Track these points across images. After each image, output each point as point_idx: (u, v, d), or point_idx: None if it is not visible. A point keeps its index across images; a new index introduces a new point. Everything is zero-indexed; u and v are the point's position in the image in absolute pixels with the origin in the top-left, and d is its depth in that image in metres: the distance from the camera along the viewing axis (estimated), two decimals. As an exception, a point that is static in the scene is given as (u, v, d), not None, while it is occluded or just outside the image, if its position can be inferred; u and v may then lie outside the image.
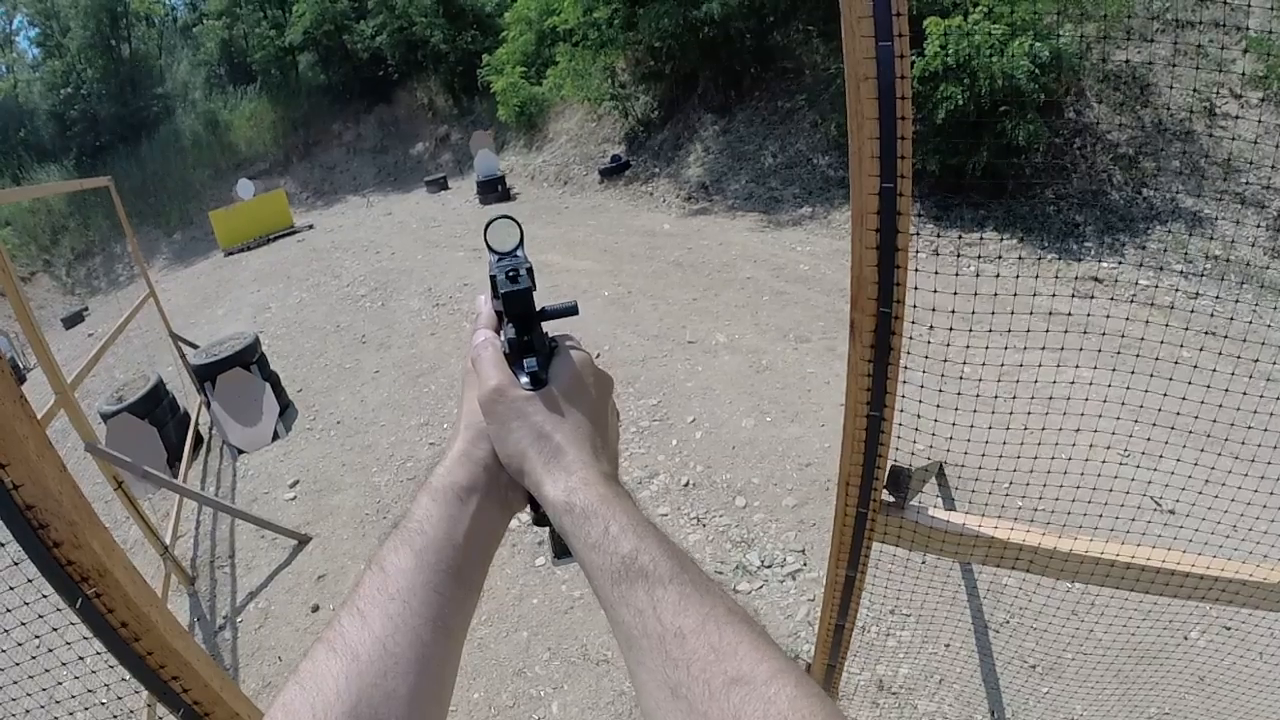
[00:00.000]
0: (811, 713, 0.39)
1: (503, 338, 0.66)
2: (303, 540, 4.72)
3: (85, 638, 1.22)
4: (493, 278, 0.66)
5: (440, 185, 18.48)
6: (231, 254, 16.76)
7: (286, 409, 6.68)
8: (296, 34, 23.76)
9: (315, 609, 4.08)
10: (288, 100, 25.50)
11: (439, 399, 6.39)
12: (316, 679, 0.48)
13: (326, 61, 25.18)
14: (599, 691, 3.24)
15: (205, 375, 6.08)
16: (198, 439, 6.30)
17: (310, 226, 17.69)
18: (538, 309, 0.65)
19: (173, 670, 1.13)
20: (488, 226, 0.67)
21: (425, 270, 10.71)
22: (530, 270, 0.64)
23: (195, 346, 7.04)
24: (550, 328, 0.67)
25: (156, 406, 6.00)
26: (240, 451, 6.03)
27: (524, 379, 0.62)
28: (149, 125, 25.48)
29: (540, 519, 0.62)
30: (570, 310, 0.67)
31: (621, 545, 0.51)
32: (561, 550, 0.62)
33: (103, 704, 2.41)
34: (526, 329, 0.64)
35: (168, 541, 4.45)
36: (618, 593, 0.50)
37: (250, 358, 6.31)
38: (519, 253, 0.67)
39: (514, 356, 0.64)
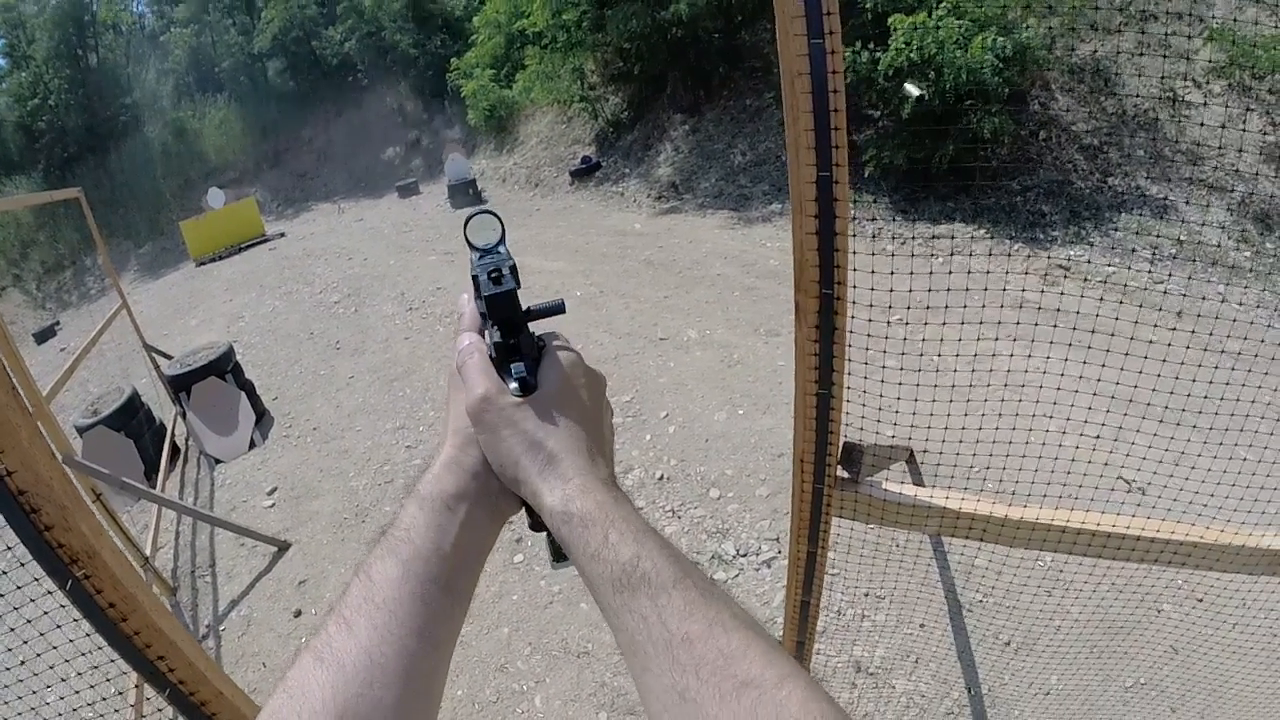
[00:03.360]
0: (821, 715, 0.40)
1: (488, 340, 0.64)
2: (283, 546, 4.72)
3: (75, 619, 1.26)
4: (475, 278, 0.63)
5: (411, 190, 18.45)
6: (203, 264, 16.61)
7: (262, 417, 6.66)
8: (265, 40, 23.64)
9: (297, 614, 4.09)
10: (257, 108, 25.34)
11: (414, 402, 6.41)
12: (303, 688, 0.49)
13: (295, 68, 25.05)
14: (581, 684, 3.28)
15: (180, 386, 6.05)
16: (174, 450, 6.26)
17: (282, 234, 17.57)
18: (523, 309, 0.62)
19: (159, 650, 1.17)
20: (467, 222, 0.65)
21: (398, 275, 10.70)
22: (514, 268, 0.62)
23: (169, 357, 6.99)
24: (537, 327, 0.65)
25: (132, 419, 5.96)
26: (217, 461, 6.00)
27: (512, 384, 0.60)
28: (117, 135, 25.20)
29: (537, 524, 0.61)
30: (557, 309, 0.64)
31: (622, 552, 0.51)
32: (560, 554, 0.61)
33: (92, 687, 2.42)
34: (512, 332, 0.62)
35: (148, 552, 4.43)
36: (620, 600, 0.49)
37: (225, 367, 6.28)
38: (500, 249, 0.65)
39: (500, 360, 0.62)
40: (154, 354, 7.13)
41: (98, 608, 1.12)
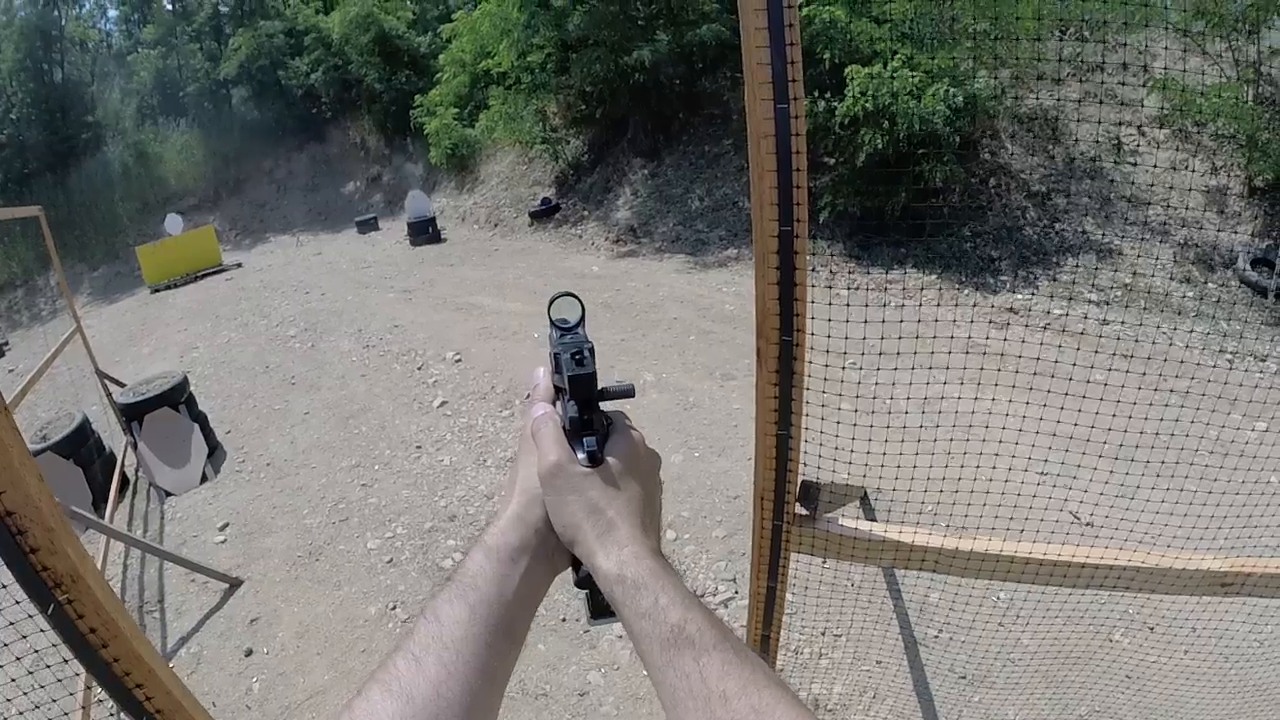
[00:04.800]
0: None
1: (559, 411, 0.70)
2: (234, 583, 4.62)
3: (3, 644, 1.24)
4: (555, 355, 0.69)
5: (371, 225, 18.35)
6: (158, 291, 16.27)
7: (215, 450, 6.53)
8: (231, 67, 23.51)
9: (249, 653, 4.00)
10: (219, 134, 25.06)
11: (370, 440, 6.35)
12: (372, 718, 0.52)
13: (260, 96, 24.89)
14: (539, 724, 3.26)
15: (132, 414, 5.92)
16: (124, 480, 6.10)
17: (239, 265, 17.30)
18: (599, 389, 0.68)
19: (137, 678, 1.16)
20: (552, 302, 0.71)
21: (356, 311, 10.62)
22: (592, 350, 0.67)
23: (121, 385, 6.85)
24: (606, 405, 0.71)
25: (82, 446, 5.80)
26: (168, 494, 5.87)
27: (581, 455, 0.67)
28: (78, 154, 24.63)
29: (582, 582, 0.67)
30: (628, 393, 0.70)
31: (670, 615, 0.56)
32: (598, 611, 0.67)
33: (37, 708, 2.35)
34: (588, 408, 0.68)
35: (93, 587, 4.30)
36: (665, 657, 0.54)
37: (179, 397, 6.17)
38: (580, 329, 0.71)
39: (573, 433, 0.68)
40: (106, 380, 6.97)
41: (79, 633, 1.12)
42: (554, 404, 0.73)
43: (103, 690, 1.21)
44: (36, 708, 2.34)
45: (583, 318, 0.72)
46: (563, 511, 0.65)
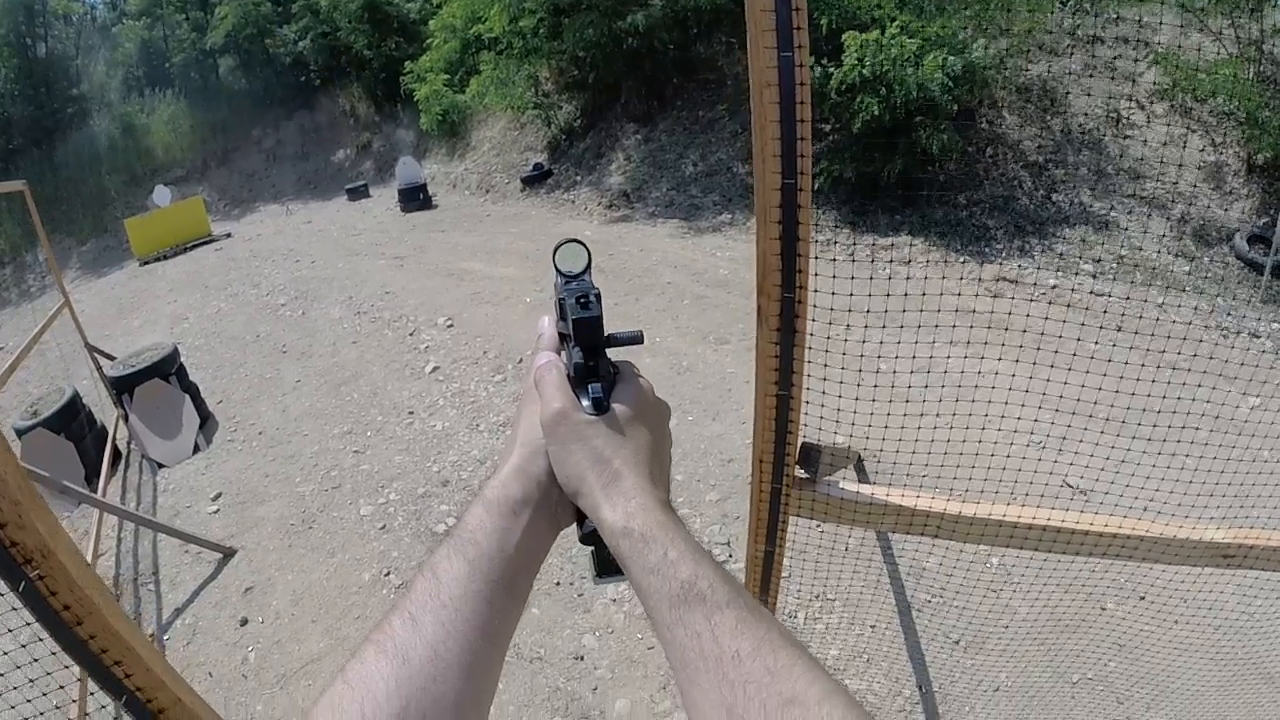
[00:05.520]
0: None
1: (564, 360, 0.67)
2: (228, 553, 4.61)
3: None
4: (560, 301, 0.66)
5: (361, 193, 18.15)
6: (147, 263, 16.11)
7: (207, 421, 6.50)
8: (218, 37, 23.11)
9: (244, 622, 4.00)
10: (207, 105, 24.72)
11: (361, 407, 6.34)
12: (366, 680, 0.49)
13: (248, 66, 24.54)
14: (534, 689, 3.28)
15: (123, 387, 5.88)
16: (116, 453, 6.08)
17: (228, 235, 17.13)
18: (605, 335, 0.65)
19: (115, 655, 1.13)
20: (556, 249, 0.67)
21: (346, 278, 10.56)
22: (599, 296, 0.64)
23: (112, 358, 6.79)
24: (613, 354, 0.68)
25: (73, 421, 5.77)
26: (160, 465, 5.84)
27: (586, 403, 0.63)
28: (63, 128, 24.34)
29: (586, 538, 0.63)
30: (637, 339, 0.67)
31: (680, 570, 0.53)
32: (603, 569, 0.64)
33: (29, 702, 2.34)
34: (593, 355, 0.65)
35: (89, 559, 4.29)
36: (675, 615, 0.51)
37: (169, 369, 6.13)
38: (586, 277, 0.67)
39: (578, 380, 0.65)
40: (96, 354, 6.92)
41: (52, 610, 1.08)
42: (559, 353, 0.70)
43: (80, 669, 1.18)
44: (32, 683, 2.32)
45: (589, 265, 0.68)
46: (566, 461, 0.62)
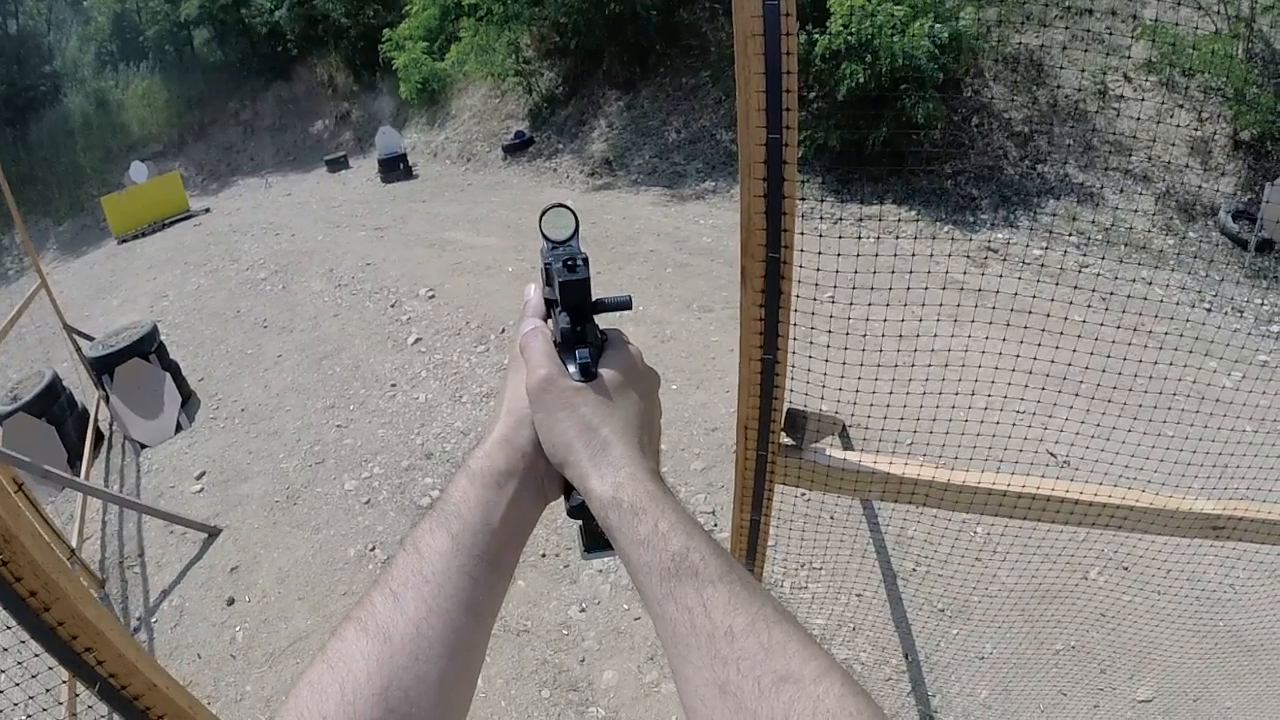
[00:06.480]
0: (858, 710, 0.40)
1: (551, 327, 0.65)
2: (213, 532, 4.58)
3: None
4: (546, 266, 0.65)
5: (341, 164, 17.86)
6: (125, 241, 15.84)
7: (189, 399, 6.43)
8: (192, 8, 22.60)
9: (230, 602, 3.98)
10: (182, 78, 24.24)
11: (344, 381, 6.29)
12: (346, 659, 0.47)
13: (223, 37, 24.03)
14: (522, 661, 3.28)
15: (103, 368, 5.79)
16: (98, 435, 6.00)
17: (207, 210, 16.87)
18: (593, 299, 0.63)
19: (86, 641, 1.09)
20: (543, 215, 0.64)
21: (326, 251, 10.44)
22: (586, 260, 0.62)
23: (91, 339, 6.68)
24: (601, 321, 0.66)
25: (53, 404, 5.68)
26: (143, 446, 5.78)
27: (573, 369, 0.61)
28: (36, 106, 23.85)
29: (575, 512, 0.61)
30: (625, 304, 0.65)
31: (671, 542, 0.51)
32: (593, 544, 0.62)
33: (17, 684, 2.30)
34: (580, 320, 0.63)
35: (74, 544, 4.24)
36: (666, 589, 0.49)
37: (149, 347, 6.03)
38: (573, 242, 0.65)
39: (565, 347, 0.63)
40: (75, 335, 6.81)
41: (17, 596, 1.04)
42: (546, 320, 0.67)
43: (53, 658, 1.14)
44: (20, 665, 2.28)
45: (576, 230, 0.65)
46: (553, 430, 0.59)
